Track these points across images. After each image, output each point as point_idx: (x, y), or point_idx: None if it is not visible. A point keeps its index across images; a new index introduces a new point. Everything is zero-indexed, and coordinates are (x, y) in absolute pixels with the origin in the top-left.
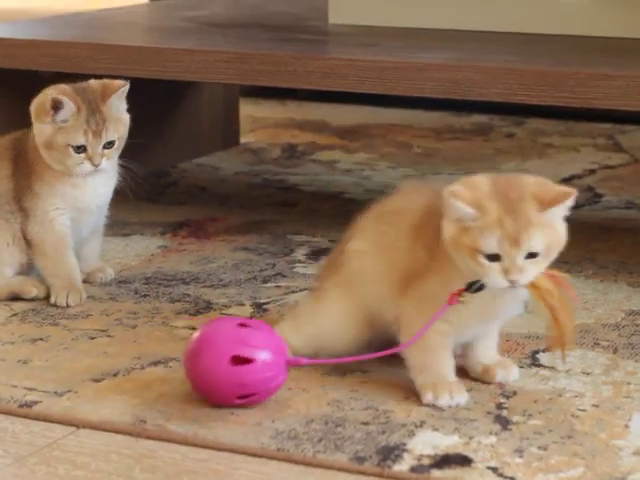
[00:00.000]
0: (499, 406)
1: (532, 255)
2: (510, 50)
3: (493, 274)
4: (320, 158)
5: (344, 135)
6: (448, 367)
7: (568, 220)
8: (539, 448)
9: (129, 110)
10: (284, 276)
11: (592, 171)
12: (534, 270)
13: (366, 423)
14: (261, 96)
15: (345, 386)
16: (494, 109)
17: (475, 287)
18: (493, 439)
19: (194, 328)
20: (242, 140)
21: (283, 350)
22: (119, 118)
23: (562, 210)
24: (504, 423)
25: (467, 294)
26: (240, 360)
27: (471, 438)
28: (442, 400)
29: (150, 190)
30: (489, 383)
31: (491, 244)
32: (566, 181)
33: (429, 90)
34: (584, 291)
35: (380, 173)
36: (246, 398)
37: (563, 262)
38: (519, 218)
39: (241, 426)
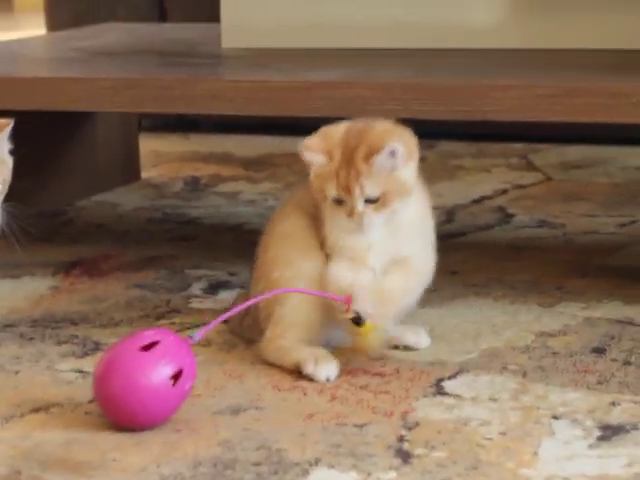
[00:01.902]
0: (400, 439)
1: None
2: (406, 65)
3: None
4: (223, 190)
5: (249, 166)
6: None
7: (477, 241)
8: None
9: (20, 147)
10: (178, 312)
11: (504, 191)
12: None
13: (257, 464)
14: (165, 130)
15: (237, 425)
16: None
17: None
18: (393, 474)
19: (81, 371)
20: (144, 175)
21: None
22: (3, 160)
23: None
24: (405, 457)
25: None
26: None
27: (369, 474)
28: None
29: (44, 230)
30: None
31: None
32: (476, 202)
33: (320, 109)
34: (493, 313)
35: None
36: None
37: (472, 284)
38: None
39: (123, 473)
